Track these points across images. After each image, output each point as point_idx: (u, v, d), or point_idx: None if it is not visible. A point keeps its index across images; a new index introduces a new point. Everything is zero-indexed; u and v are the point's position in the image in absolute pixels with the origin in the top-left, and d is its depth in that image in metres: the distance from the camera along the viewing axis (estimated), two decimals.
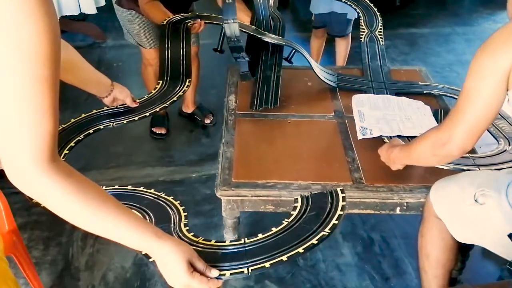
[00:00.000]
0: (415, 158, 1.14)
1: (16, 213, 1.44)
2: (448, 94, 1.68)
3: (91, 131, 1.30)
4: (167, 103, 1.43)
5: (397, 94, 1.65)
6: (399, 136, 1.35)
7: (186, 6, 2.07)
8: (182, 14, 1.88)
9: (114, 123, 1.33)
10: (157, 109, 1.40)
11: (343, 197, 1.14)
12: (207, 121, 2.46)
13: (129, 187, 1.14)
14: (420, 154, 1.11)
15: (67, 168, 0.66)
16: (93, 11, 2.82)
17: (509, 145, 1.35)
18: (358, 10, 2.04)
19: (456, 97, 1.65)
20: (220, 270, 0.88)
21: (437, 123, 1.48)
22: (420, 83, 1.77)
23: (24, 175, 0.62)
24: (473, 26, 3.89)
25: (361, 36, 1.93)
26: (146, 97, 1.45)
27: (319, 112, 1.59)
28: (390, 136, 1.36)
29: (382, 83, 1.72)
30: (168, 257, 0.79)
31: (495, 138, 1.38)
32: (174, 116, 2.51)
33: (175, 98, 1.45)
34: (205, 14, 1.95)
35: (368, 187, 1.26)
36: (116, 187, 1.14)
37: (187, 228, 1.01)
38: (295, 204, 1.14)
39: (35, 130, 0.58)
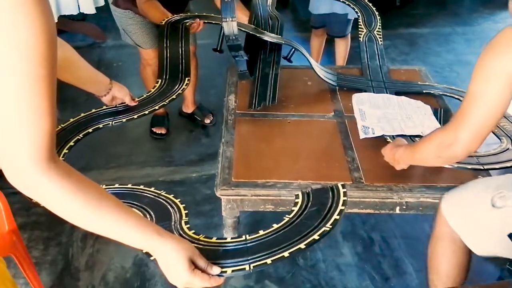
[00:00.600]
0: (420, 158, 1.14)
1: (16, 213, 1.44)
2: (448, 94, 1.68)
3: (90, 130, 1.30)
4: (166, 101, 1.43)
5: (397, 93, 1.65)
6: (401, 135, 1.35)
7: (182, 5, 2.07)
8: (181, 14, 1.88)
9: (114, 122, 1.33)
10: (156, 107, 1.40)
11: (344, 192, 1.13)
12: (207, 121, 2.46)
13: (129, 185, 1.13)
14: (425, 155, 1.11)
15: (67, 168, 0.66)
16: (92, 11, 2.82)
17: (511, 143, 1.35)
18: (356, 10, 2.04)
19: (456, 97, 1.65)
20: (222, 267, 0.87)
21: (438, 122, 1.48)
22: (419, 83, 1.77)
23: (23, 175, 0.61)
24: (473, 26, 3.88)
25: (359, 35, 1.93)
26: (145, 95, 1.46)
27: (318, 111, 1.59)
28: (392, 136, 1.36)
29: (381, 83, 1.72)
30: (170, 255, 0.79)
31: (497, 137, 1.38)
32: (174, 116, 2.51)
33: (174, 97, 1.45)
34: (204, 14, 1.95)
35: (368, 186, 1.26)
36: (116, 186, 1.13)
37: (188, 225, 1.01)
38: (296, 200, 1.13)
39: (34, 129, 0.58)
